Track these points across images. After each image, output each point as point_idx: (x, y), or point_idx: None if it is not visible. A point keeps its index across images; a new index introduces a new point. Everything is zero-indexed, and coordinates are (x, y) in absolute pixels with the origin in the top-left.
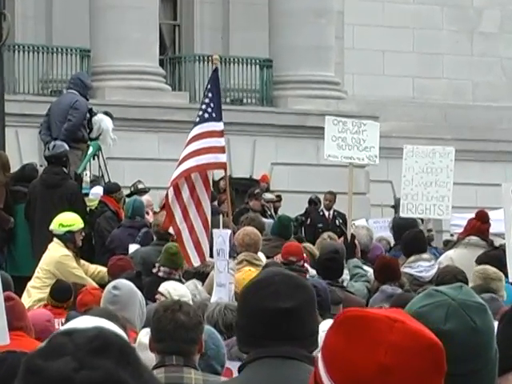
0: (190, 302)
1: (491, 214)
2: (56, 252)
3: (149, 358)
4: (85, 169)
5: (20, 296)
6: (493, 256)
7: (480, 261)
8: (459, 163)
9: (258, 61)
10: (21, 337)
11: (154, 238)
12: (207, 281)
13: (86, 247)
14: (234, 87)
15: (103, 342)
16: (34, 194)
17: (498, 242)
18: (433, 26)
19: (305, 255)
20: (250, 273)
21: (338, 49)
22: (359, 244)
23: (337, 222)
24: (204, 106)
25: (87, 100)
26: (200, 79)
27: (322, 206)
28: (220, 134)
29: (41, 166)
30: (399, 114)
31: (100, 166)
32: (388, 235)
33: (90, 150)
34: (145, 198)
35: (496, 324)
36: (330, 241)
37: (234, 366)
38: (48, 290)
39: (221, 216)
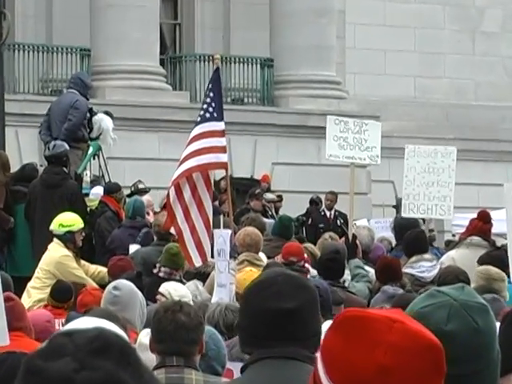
0: (191, 303)
1: (493, 214)
2: (56, 252)
3: (149, 358)
4: (85, 169)
5: (20, 296)
6: (495, 256)
7: (482, 261)
8: (461, 163)
9: (259, 60)
10: (21, 337)
11: (155, 238)
12: (208, 281)
13: (86, 247)
14: (235, 87)
15: (104, 343)
16: (34, 194)
17: (500, 242)
18: (434, 26)
19: (306, 255)
20: (251, 273)
21: (339, 48)
22: (360, 244)
23: (338, 222)
24: (205, 106)
25: (87, 100)
26: (201, 79)
27: (324, 206)
28: (221, 133)
29: (41, 165)
30: (401, 114)
31: (100, 166)
32: (389, 235)
33: (91, 149)
34: (145, 198)
35: (498, 325)
36: (331, 241)
37: (234, 366)
38: (48, 290)
39: (222, 216)
